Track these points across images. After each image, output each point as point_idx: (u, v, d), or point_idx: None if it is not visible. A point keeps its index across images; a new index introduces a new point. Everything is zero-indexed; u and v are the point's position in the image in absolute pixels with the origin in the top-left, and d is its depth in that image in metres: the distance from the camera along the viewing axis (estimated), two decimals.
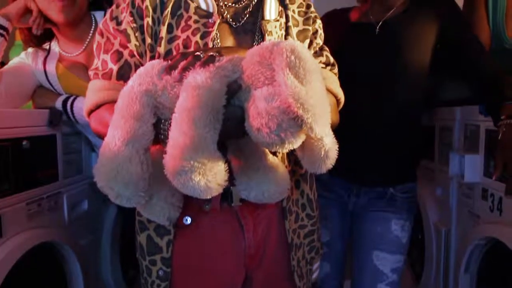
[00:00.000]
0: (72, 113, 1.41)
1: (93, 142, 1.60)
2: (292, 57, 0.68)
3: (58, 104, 1.42)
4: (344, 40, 1.40)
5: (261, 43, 0.75)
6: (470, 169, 1.38)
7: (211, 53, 0.79)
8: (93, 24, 1.45)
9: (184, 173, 0.70)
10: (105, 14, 1.43)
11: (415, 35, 1.35)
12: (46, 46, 1.52)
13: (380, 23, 1.38)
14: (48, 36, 1.49)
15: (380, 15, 1.40)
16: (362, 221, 1.43)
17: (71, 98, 1.42)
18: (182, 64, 0.79)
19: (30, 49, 1.52)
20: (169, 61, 0.82)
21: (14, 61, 1.49)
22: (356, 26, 1.45)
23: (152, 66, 0.82)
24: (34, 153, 1.30)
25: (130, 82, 0.82)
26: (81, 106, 1.37)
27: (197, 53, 0.80)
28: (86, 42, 1.44)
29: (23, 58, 1.50)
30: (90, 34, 1.44)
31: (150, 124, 0.80)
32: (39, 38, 1.46)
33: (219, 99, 0.74)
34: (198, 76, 0.74)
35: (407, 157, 1.43)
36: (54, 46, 1.50)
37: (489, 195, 1.32)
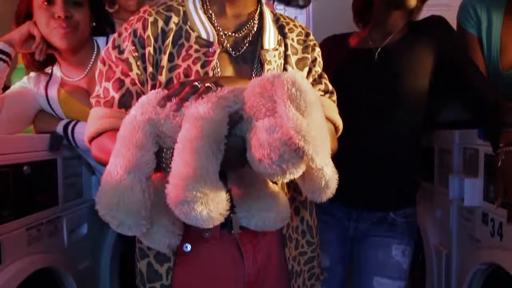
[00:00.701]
0: (73, 138, 1.41)
1: (93, 165, 1.60)
2: (293, 89, 0.70)
3: (59, 128, 1.43)
4: (344, 65, 1.43)
5: (262, 75, 0.77)
6: (470, 193, 1.38)
7: (208, 84, 0.81)
8: (95, 50, 1.46)
9: (186, 203, 0.71)
10: (107, 40, 1.46)
11: (414, 61, 1.37)
12: (48, 70, 1.53)
13: (379, 49, 1.41)
14: (50, 60, 1.51)
15: (379, 41, 1.43)
16: (362, 246, 1.43)
17: (72, 123, 1.42)
18: (180, 94, 0.81)
19: (32, 74, 1.53)
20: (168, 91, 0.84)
21: (16, 86, 1.51)
22: (356, 52, 1.47)
23: (155, 95, 0.83)
24: (35, 178, 1.30)
25: (132, 111, 0.83)
26: (82, 131, 1.37)
27: (195, 83, 0.82)
28: (88, 68, 1.45)
29: (25, 82, 1.51)
30: (92, 60, 1.45)
31: (152, 153, 0.81)
32: (41, 63, 1.47)
33: (221, 130, 0.75)
34: (200, 107, 0.75)
35: (408, 181, 1.43)
36: (56, 71, 1.52)
37: (489, 220, 1.31)
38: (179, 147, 0.74)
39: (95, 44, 1.47)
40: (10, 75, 1.76)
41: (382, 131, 1.36)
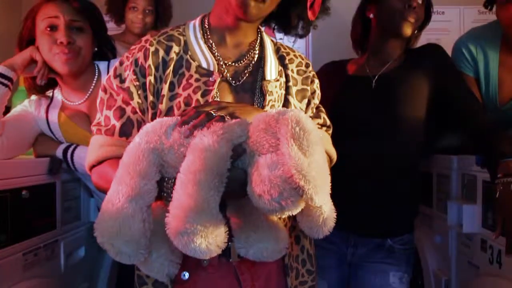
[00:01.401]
0: (72, 162, 1.41)
1: (92, 188, 1.60)
2: (297, 128, 0.72)
3: (59, 152, 1.43)
4: (342, 92, 1.44)
5: (267, 109, 0.79)
6: (469, 220, 1.37)
7: (223, 115, 0.82)
8: (96, 74, 1.47)
9: (186, 234, 0.72)
10: (108, 65, 1.47)
11: (410, 90, 1.38)
12: (49, 93, 1.54)
13: (376, 77, 1.42)
14: (51, 84, 1.51)
15: (376, 69, 1.45)
16: (360, 272, 1.42)
17: (72, 147, 1.43)
18: (194, 121, 0.81)
19: (33, 97, 1.54)
20: (182, 116, 0.84)
21: (17, 109, 1.51)
22: (353, 79, 1.48)
23: (161, 124, 0.84)
24: (33, 202, 1.30)
25: (137, 138, 0.84)
26: (82, 155, 1.38)
27: (211, 111, 0.83)
28: (89, 92, 1.46)
29: (26, 106, 1.52)
30: (93, 84, 1.46)
31: (154, 182, 0.82)
32: (43, 87, 1.48)
33: (225, 163, 0.76)
34: (205, 139, 0.76)
35: (406, 208, 1.43)
36: (57, 94, 1.52)
37: (488, 247, 1.31)
38: (182, 177, 0.75)
39: (97, 68, 1.48)
40: (11, 97, 1.78)
41: (380, 158, 1.37)
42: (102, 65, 1.49)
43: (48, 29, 1.35)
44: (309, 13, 0.94)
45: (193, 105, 0.93)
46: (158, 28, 2.20)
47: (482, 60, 1.54)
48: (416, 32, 1.48)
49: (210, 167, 0.74)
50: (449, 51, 1.64)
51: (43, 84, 1.44)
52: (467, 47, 1.56)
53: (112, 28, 2.37)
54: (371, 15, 1.47)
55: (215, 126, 0.78)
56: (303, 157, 0.70)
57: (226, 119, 0.81)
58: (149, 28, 2.20)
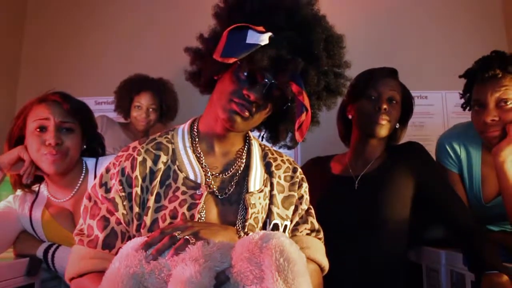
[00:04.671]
0: (53, 263, 1.36)
1: None
2: (281, 260, 0.71)
3: (40, 252, 1.39)
4: (327, 192, 1.45)
5: (251, 236, 0.78)
6: None
7: (187, 237, 0.82)
8: (83, 171, 1.46)
9: None
10: (96, 161, 1.47)
11: (393, 189, 1.40)
12: (35, 188, 1.52)
13: (359, 177, 1.44)
14: (37, 179, 1.50)
15: (359, 168, 1.47)
16: None
17: (53, 248, 1.39)
18: (158, 244, 0.81)
19: (18, 192, 1.52)
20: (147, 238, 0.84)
21: (0, 206, 1.49)
22: (337, 179, 1.50)
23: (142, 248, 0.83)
24: None
25: (116, 263, 0.81)
26: (63, 256, 1.34)
27: (175, 233, 0.83)
28: (75, 189, 1.44)
29: (10, 202, 1.49)
30: (80, 181, 1.45)
31: None
32: (29, 184, 1.47)
33: None
34: (187, 269, 0.75)
35: None
36: (43, 189, 1.50)
37: None
38: None
39: (84, 165, 1.47)
40: None
41: (366, 257, 1.35)
42: (90, 162, 1.48)
43: (38, 130, 1.35)
44: (297, 134, 0.93)
45: (178, 218, 0.92)
46: (164, 123, 2.27)
47: (465, 157, 1.58)
48: (398, 126, 1.52)
49: None
50: (432, 133, 1.68)
51: (29, 182, 1.43)
52: (451, 145, 1.60)
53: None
54: (350, 116, 1.52)
55: (196, 254, 0.77)
56: None
57: (190, 241, 0.81)
58: (154, 124, 2.27)
